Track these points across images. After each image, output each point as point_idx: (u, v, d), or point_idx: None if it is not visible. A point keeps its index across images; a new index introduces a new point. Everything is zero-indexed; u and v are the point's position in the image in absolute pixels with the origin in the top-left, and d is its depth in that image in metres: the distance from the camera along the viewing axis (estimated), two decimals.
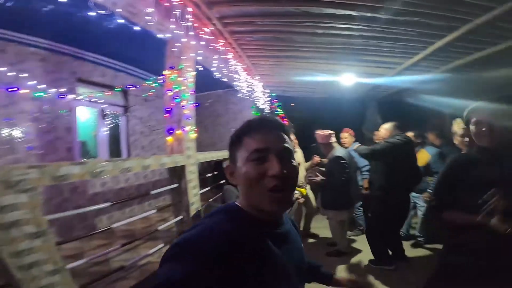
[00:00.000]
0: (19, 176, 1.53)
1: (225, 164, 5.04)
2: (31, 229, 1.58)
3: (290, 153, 0.68)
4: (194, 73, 3.13)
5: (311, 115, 7.50)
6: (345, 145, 3.98)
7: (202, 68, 3.24)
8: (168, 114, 3.00)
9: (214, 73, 3.48)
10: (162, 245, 2.72)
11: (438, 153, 3.49)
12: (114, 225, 2.42)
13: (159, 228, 2.87)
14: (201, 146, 6.49)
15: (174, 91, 2.94)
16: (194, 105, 3.18)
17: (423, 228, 3.61)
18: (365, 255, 3.37)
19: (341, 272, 3.03)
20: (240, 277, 0.55)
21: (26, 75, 2.97)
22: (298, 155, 3.85)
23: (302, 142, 4.08)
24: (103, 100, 4.23)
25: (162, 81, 3.10)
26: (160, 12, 2.31)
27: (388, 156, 2.86)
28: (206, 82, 3.87)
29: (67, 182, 1.84)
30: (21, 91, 2.56)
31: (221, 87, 5.86)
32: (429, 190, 3.42)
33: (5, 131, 3.06)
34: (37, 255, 1.58)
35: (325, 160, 3.45)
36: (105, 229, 2.38)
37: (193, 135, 3.13)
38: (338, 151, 3.22)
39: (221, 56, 3.26)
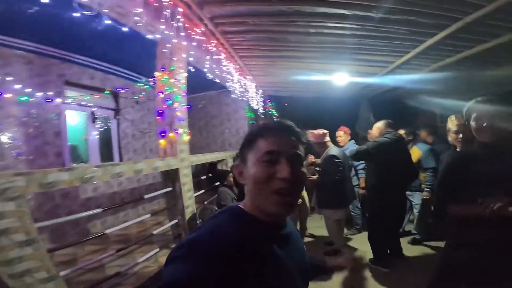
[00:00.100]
0: (5, 184, 1.49)
1: (219, 166, 5.01)
2: (20, 237, 1.56)
3: (300, 160, 0.69)
4: (186, 74, 3.09)
5: (305, 115, 7.51)
6: (341, 144, 3.99)
7: (194, 70, 3.19)
8: (160, 117, 2.95)
9: (207, 74, 3.44)
10: (157, 249, 2.68)
11: (429, 150, 3.53)
12: (108, 231, 2.37)
13: (154, 232, 2.83)
14: (194, 148, 6.46)
15: (166, 93, 2.90)
16: (187, 107, 3.14)
17: (419, 225, 3.64)
18: (361, 253, 3.38)
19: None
20: (245, 279, 0.56)
21: (11, 78, 2.89)
22: None
23: None
24: (92, 103, 4.15)
25: (153, 83, 3.05)
26: (150, 13, 2.26)
27: (376, 155, 2.85)
28: (198, 83, 3.83)
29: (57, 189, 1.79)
30: (6, 95, 2.47)
31: (214, 88, 5.81)
32: (427, 189, 3.45)
33: None
34: (28, 263, 1.56)
35: (318, 160, 3.45)
36: (99, 235, 2.33)
37: (186, 138, 3.09)
38: (332, 150, 3.23)
39: (213, 57, 3.23)
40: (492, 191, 1.18)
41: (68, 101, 3.57)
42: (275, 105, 7.78)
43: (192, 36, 2.79)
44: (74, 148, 4.19)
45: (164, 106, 2.92)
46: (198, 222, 2.95)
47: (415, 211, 3.67)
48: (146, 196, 2.90)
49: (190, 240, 0.60)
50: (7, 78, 2.86)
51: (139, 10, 1.95)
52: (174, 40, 2.47)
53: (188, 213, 3.00)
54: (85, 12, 1.60)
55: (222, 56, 3.50)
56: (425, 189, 3.47)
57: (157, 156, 3.10)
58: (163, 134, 2.94)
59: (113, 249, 2.66)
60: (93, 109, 4.24)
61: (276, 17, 2.68)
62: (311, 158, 3.59)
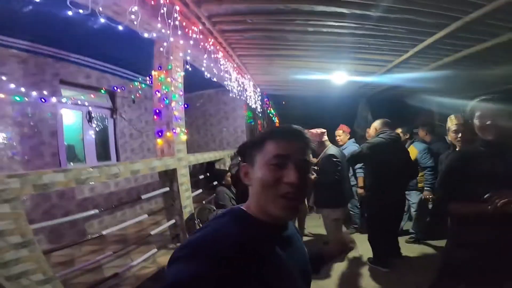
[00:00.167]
0: None
1: (217, 165, 4.98)
2: (16, 240, 1.54)
3: (308, 166, 0.70)
4: (183, 73, 3.06)
5: (303, 113, 7.50)
6: (340, 143, 3.98)
7: (191, 68, 3.16)
8: (157, 116, 2.92)
9: (204, 73, 3.41)
10: (155, 250, 2.67)
11: (426, 149, 3.53)
12: (104, 232, 2.35)
13: (152, 233, 2.81)
14: (192, 147, 6.45)
15: (163, 92, 2.87)
16: (184, 106, 3.11)
17: (417, 224, 3.64)
18: (359, 253, 3.39)
19: (337, 270, 3.04)
20: (246, 280, 0.57)
21: (5, 78, 2.85)
22: None
23: None
24: (88, 103, 4.11)
25: (150, 82, 3.02)
26: (147, 11, 2.23)
27: (371, 156, 2.84)
28: (196, 82, 3.81)
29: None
30: (0, 95, 2.44)
31: (212, 86, 5.78)
32: (427, 188, 3.45)
33: None
34: (24, 265, 1.56)
35: (314, 160, 3.44)
36: (96, 237, 2.31)
37: (184, 137, 3.06)
38: (331, 149, 3.21)
39: (211, 56, 3.20)
40: (495, 189, 1.17)
41: (63, 100, 3.53)
42: (273, 103, 7.77)
43: (190, 34, 2.76)
44: (71, 148, 4.15)
45: (161, 106, 2.89)
46: (196, 221, 2.93)
47: (412, 210, 3.67)
48: (143, 196, 2.88)
49: (193, 241, 0.61)
50: (1, 78, 2.82)
51: (135, 8, 1.92)
52: (171, 39, 2.44)
53: (186, 213, 2.98)
54: (79, 11, 1.56)
55: (220, 55, 3.47)
56: (425, 188, 3.47)
57: (154, 155, 3.07)
58: (160, 133, 2.92)
59: (110, 249, 2.64)
60: (90, 108, 4.20)
61: (274, 15, 2.66)
62: None
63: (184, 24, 2.60)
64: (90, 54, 3.86)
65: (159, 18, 2.16)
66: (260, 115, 7.12)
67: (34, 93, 2.85)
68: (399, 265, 3.05)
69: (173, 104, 2.88)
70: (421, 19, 2.35)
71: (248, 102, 5.46)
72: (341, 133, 4.00)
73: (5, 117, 3.08)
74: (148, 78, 3.05)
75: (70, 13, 1.49)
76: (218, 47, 3.43)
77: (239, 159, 2.56)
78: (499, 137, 1.28)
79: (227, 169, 4.47)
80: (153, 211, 3.94)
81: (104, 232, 2.33)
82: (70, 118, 4.11)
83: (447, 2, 2.03)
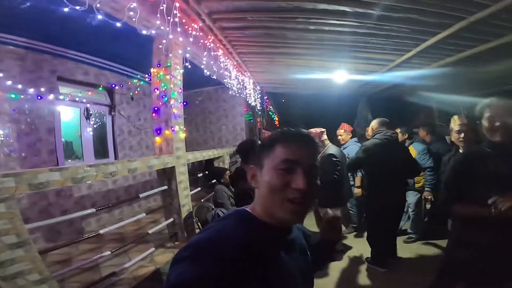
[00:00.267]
0: None
1: (216, 163, 4.96)
2: (11, 239, 1.52)
3: (316, 172, 0.70)
4: (182, 71, 3.03)
5: (303, 112, 7.49)
6: (342, 142, 3.95)
7: (191, 66, 3.13)
8: (155, 114, 2.89)
9: (204, 71, 3.38)
10: (153, 249, 2.65)
11: (425, 150, 3.51)
12: (102, 231, 2.33)
13: (150, 231, 2.79)
14: (192, 144, 6.42)
15: (162, 89, 2.84)
16: (183, 104, 3.08)
17: (415, 224, 3.64)
18: (356, 251, 3.39)
19: (335, 269, 3.03)
20: (250, 282, 0.57)
21: (1, 75, 2.81)
22: None
23: None
24: (87, 99, 4.07)
25: (149, 79, 2.98)
26: (146, 8, 2.19)
27: (367, 159, 2.83)
28: (196, 79, 3.77)
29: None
30: None
31: (211, 84, 5.75)
32: (427, 188, 3.44)
33: None
34: (20, 265, 1.54)
35: None
36: (94, 235, 2.29)
37: (182, 135, 3.04)
38: (330, 149, 3.21)
39: (211, 53, 3.16)
40: (501, 191, 1.17)
41: (61, 97, 3.49)
42: (273, 102, 7.74)
43: (189, 31, 2.72)
44: (68, 145, 4.12)
45: (160, 103, 2.86)
46: (194, 220, 2.91)
47: (410, 210, 3.66)
48: (141, 195, 2.86)
49: (198, 241, 0.60)
50: None
51: (134, 4, 1.88)
52: (171, 36, 2.40)
53: (184, 212, 2.96)
54: (76, 7, 1.53)
55: (220, 52, 3.44)
56: (425, 189, 3.46)
57: (153, 153, 3.05)
58: (158, 131, 2.89)
59: (108, 248, 2.61)
60: (87, 105, 4.16)
61: (276, 13, 2.63)
62: None
63: (183, 21, 2.56)
64: (88, 50, 3.82)
65: (158, 15, 2.12)
66: (260, 113, 7.09)
67: (31, 90, 2.81)
68: (397, 265, 3.04)
69: (172, 101, 2.85)
70: (424, 19, 2.31)
71: (247, 100, 5.43)
72: (343, 132, 3.97)
73: (2, 114, 3.04)
74: (147, 75, 3.01)
75: (66, 9, 1.44)
76: (218, 45, 3.39)
77: (239, 157, 2.55)
78: (507, 139, 1.27)
79: (226, 167, 4.46)
80: (152, 209, 3.91)
81: (101, 231, 2.31)
82: (68, 115, 4.08)
83: (452, 2, 2.00)
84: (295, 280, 0.69)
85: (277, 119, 8.26)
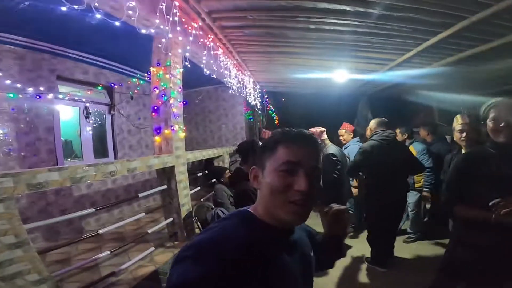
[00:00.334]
0: None
1: (216, 162, 4.95)
2: (10, 240, 1.52)
3: (318, 173, 0.69)
4: (182, 70, 3.01)
5: (303, 111, 7.48)
6: (344, 142, 3.94)
7: (191, 65, 3.11)
8: (155, 113, 2.88)
9: (204, 70, 3.36)
10: (153, 248, 2.65)
11: (425, 150, 3.49)
12: (101, 231, 2.32)
13: (150, 231, 2.79)
14: (191, 143, 6.42)
15: (161, 88, 2.83)
16: (183, 103, 3.07)
17: (414, 224, 3.63)
18: (356, 251, 3.39)
19: (335, 269, 3.03)
20: (251, 283, 0.57)
21: (0, 74, 2.80)
22: None
23: None
24: (86, 98, 4.05)
25: (148, 78, 2.97)
26: (145, 7, 2.18)
27: (365, 162, 2.82)
28: (195, 78, 3.76)
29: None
30: None
31: (211, 83, 5.73)
32: (426, 189, 3.43)
33: None
34: (19, 265, 1.54)
35: None
36: (93, 235, 2.28)
37: (182, 134, 3.03)
38: (330, 148, 3.21)
39: (210, 52, 3.15)
40: (504, 193, 1.17)
41: (60, 96, 3.48)
42: (273, 101, 7.72)
43: (189, 30, 2.71)
44: (68, 144, 4.11)
45: (159, 102, 2.85)
46: (194, 220, 2.91)
47: (409, 210, 3.65)
48: (141, 195, 2.85)
49: (200, 241, 0.60)
50: None
51: (133, 3, 1.87)
52: (170, 35, 2.39)
53: (184, 211, 2.96)
54: (74, 6, 1.51)
55: (220, 51, 3.42)
56: (424, 189, 3.45)
57: (153, 152, 3.04)
58: (158, 130, 2.88)
59: (107, 247, 2.61)
60: (87, 104, 4.15)
61: (276, 12, 2.61)
62: None
63: (183, 20, 2.54)
64: (88, 49, 3.79)
65: (157, 14, 2.11)
66: (260, 112, 7.08)
67: (30, 89, 2.80)
68: (397, 265, 3.04)
69: (171, 100, 2.83)
70: (426, 18, 2.30)
71: (247, 99, 5.41)
72: (344, 132, 3.94)
73: (2, 113, 3.03)
74: (146, 74, 3.00)
75: (64, 8, 1.43)
76: (218, 44, 3.38)
77: (239, 157, 2.54)
78: (511, 140, 1.26)
79: (226, 166, 4.45)
80: (151, 208, 3.91)
81: (101, 231, 2.30)
82: (67, 114, 4.06)
83: (454, 2, 1.99)
84: (296, 282, 0.69)
85: (277, 118, 8.24)
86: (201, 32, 2.86)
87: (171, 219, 2.92)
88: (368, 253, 3.13)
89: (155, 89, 2.85)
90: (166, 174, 2.91)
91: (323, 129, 3.29)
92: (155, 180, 3.64)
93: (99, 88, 4.11)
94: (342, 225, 0.93)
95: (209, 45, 3.11)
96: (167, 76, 2.80)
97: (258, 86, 6.21)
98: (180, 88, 3.01)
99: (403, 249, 3.36)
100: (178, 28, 2.34)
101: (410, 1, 2.09)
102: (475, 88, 4.57)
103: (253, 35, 3.28)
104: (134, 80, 4.06)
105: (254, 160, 0.76)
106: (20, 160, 3.17)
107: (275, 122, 8.21)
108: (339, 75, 4.44)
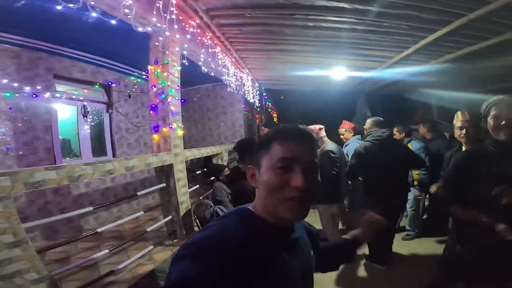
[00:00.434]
0: None
1: (215, 160, 4.96)
2: (8, 239, 1.52)
3: (316, 168, 0.68)
4: (180, 68, 3.00)
5: (302, 108, 7.48)
6: (344, 140, 3.94)
7: (188, 63, 3.10)
8: (153, 111, 2.88)
9: (202, 68, 3.35)
10: (152, 246, 2.65)
11: (422, 148, 3.49)
12: (100, 229, 2.32)
13: (149, 229, 2.79)
14: (190, 141, 6.41)
15: (159, 86, 2.82)
16: (181, 101, 3.07)
17: (413, 221, 3.65)
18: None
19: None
20: (251, 281, 0.57)
21: None
22: None
23: None
24: (84, 97, 4.04)
25: (146, 76, 2.96)
26: (142, 5, 2.17)
27: (361, 163, 2.83)
28: (194, 76, 3.75)
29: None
30: None
31: (209, 81, 5.72)
32: (418, 187, 3.43)
33: None
34: (18, 264, 1.54)
35: None
36: (92, 233, 2.29)
37: (180, 132, 3.03)
38: (329, 145, 3.20)
39: (208, 50, 3.14)
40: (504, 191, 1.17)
41: (57, 95, 3.46)
42: (272, 98, 7.72)
43: (187, 28, 2.70)
44: (66, 143, 4.10)
45: (157, 100, 2.85)
46: (193, 218, 2.91)
47: (408, 207, 3.66)
48: (139, 193, 2.86)
49: (199, 239, 0.60)
50: None
51: (129, 2, 1.86)
52: (167, 33, 2.38)
53: (182, 209, 2.96)
54: (70, 5, 1.50)
55: (218, 49, 3.41)
56: (416, 187, 3.45)
57: (151, 150, 3.04)
58: (156, 128, 2.88)
59: (106, 246, 2.61)
60: (85, 103, 4.14)
61: (274, 9, 2.60)
62: None
63: (180, 18, 2.53)
64: (85, 48, 3.77)
65: (154, 12, 2.10)
66: (259, 109, 7.07)
67: (27, 88, 2.79)
68: (395, 262, 3.06)
69: (169, 99, 2.83)
70: (423, 16, 2.30)
71: (246, 96, 5.41)
72: (344, 132, 3.93)
73: None
74: (144, 72, 2.99)
75: (59, 7, 1.42)
76: (215, 41, 3.37)
77: (237, 155, 2.54)
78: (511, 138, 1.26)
79: (225, 164, 4.45)
80: (150, 206, 3.91)
81: (99, 229, 2.30)
82: (65, 112, 4.05)
83: None
84: (296, 281, 0.69)
85: (276, 115, 8.24)
86: (198, 30, 2.85)
87: (170, 217, 2.93)
88: (366, 250, 3.14)
89: (153, 87, 2.84)
90: (165, 172, 2.91)
91: (322, 126, 3.29)
92: (154, 178, 3.64)
93: (97, 86, 4.09)
94: (372, 234, 0.95)
95: (207, 43, 3.10)
96: (165, 74, 2.79)
97: (257, 84, 6.20)
98: (178, 86, 3.00)
99: (401, 246, 3.37)
100: (176, 26, 2.32)
101: None
102: (474, 85, 4.58)
103: (251, 32, 3.27)
104: (132, 78, 4.05)
105: (252, 158, 0.75)
106: (18, 159, 3.17)
107: (274, 120, 8.22)
108: (337, 72, 4.44)
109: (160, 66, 2.79)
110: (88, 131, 4.28)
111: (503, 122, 1.26)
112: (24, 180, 1.57)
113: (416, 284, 2.25)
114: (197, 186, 3.90)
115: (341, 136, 3.96)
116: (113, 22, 1.84)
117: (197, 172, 4.35)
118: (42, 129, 3.44)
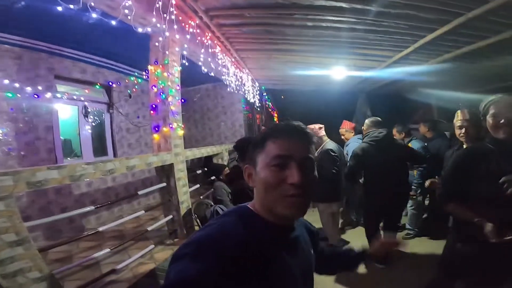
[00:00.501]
0: None
1: (215, 160, 4.97)
2: (11, 237, 1.54)
3: (312, 163, 0.67)
4: (180, 68, 3.02)
5: (302, 108, 7.47)
6: (345, 140, 3.94)
7: (188, 63, 3.12)
8: (153, 111, 2.89)
9: (202, 68, 3.37)
10: (152, 246, 2.67)
11: (421, 148, 3.48)
12: (101, 228, 2.34)
13: (149, 228, 2.80)
14: (191, 141, 6.43)
15: (159, 87, 2.83)
16: (181, 101, 3.08)
17: (413, 220, 3.65)
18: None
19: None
20: (250, 280, 0.57)
21: None
22: None
23: None
24: (84, 97, 4.06)
25: (146, 76, 2.98)
26: (141, 5, 2.18)
27: (359, 164, 2.84)
28: (194, 76, 3.76)
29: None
30: None
31: (209, 81, 5.73)
32: (414, 186, 3.42)
33: None
34: (20, 263, 1.56)
35: None
36: (93, 233, 2.30)
37: (181, 132, 3.04)
38: (328, 144, 3.22)
39: (208, 50, 3.15)
40: (503, 189, 1.17)
41: (58, 95, 3.48)
42: (272, 98, 7.72)
43: (186, 29, 2.71)
44: (67, 143, 4.12)
45: (157, 100, 2.86)
46: (193, 217, 2.93)
47: (408, 206, 3.66)
48: (140, 192, 2.87)
49: (199, 238, 0.60)
50: None
51: (129, 2, 1.87)
52: (167, 33, 2.39)
53: (183, 209, 2.98)
54: (70, 6, 1.52)
55: (218, 49, 3.43)
56: (412, 187, 3.44)
57: (152, 150, 3.06)
58: (157, 128, 2.90)
59: (108, 245, 2.63)
60: (86, 103, 4.16)
61: (273, 9, 2.61)
62: None
63: (180, 18, 2.55)
64: (86, 48, 3.79)
65: (154, 12, 2.11)
66: (259, 109, 7.08)
67: (28, 89, 2.80)
68: (395, 261, 3.05)
69: (169, 99, 2.85)
70: (422, 15, 2.30)
71: (246, 96, 5.42)
72: (344, 132, 3.93)
73: (0, 112, 3.04)
74: (144, 72, 3.01)
75: (60, 8, 1.44)
76: (215, 42, 3.38)
77: (237, 154, 2.55)
78: (511, 137, 1.27)
79: (225, 164, 4.46)
80: (151, 206, 3.93)
81: (100, 229, 2.32)
82: (66, 113, 4.07)
83: None
84: (296, 279, 0.69)
85: (276, 115, 8.25)
86: (198, 30, 2.87)
87: (170, 216, 2.94)
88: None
89: (153, 87, 2.86)
90: (165, 171, 2.93)
91: (321, 125, 3.31)
92: (155, 177, 3.66)
93: (98, 87, 4.11)
94: (384, 255, 1.00)
95: (207, 43, 3.11)
96: (165, 74, 2.80)
97: (257, 84, 6.21)
98: (178, 86, 3.02)
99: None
100: (175, 27, 2.34)
101: None
102: (473, 85, 4.58)
103: (250, 32, 3.28)
104: (132, 78, 4.06)
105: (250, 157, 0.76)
106: (20, 160, 3.19)
107: (274, 120, 8.22)
108: (337, 72, 4.44)
109: (160, 66, 2.81)
110: (89, 131, 4.30)
111: (502, 120, 1.27)
112: (26, 179, 1.59)
113: (416, 283, 2.25)
114: (198, 185, 3.91)
115: (342, 136, 3.96)
116: (113, 22, 1.85)
117: (198, 172, 4.36)
118: (43, 129, 3.46)
